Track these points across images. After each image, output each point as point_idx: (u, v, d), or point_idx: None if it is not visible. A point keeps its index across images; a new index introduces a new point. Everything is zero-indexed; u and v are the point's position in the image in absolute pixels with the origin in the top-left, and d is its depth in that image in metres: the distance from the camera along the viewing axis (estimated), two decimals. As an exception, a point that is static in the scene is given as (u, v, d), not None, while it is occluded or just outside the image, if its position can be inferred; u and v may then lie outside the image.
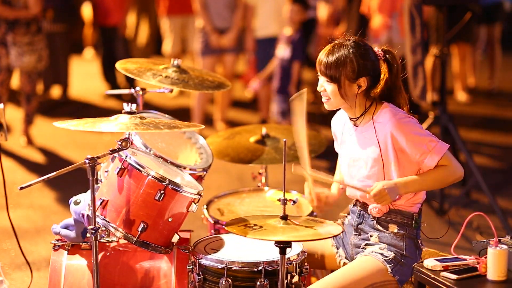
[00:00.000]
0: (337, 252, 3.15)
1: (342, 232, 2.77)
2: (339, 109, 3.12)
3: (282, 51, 6.95)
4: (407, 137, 2.87)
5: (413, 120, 2.93)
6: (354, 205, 3.11)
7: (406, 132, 2.87)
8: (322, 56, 2.93)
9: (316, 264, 3.20)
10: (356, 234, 3.07)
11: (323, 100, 2.98)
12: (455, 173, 2.92)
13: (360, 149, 2.98)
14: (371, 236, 3.02)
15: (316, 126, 6.81)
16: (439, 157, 2.88)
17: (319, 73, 2.96)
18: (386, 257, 2.94)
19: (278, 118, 7.10)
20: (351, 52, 2.88)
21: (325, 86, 2.94)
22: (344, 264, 3.07)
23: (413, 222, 2.98)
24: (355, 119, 2.99)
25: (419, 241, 3.02)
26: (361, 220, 3.06)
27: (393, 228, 2.98)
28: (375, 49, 2.98)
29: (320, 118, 8.13)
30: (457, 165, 2.92)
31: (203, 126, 3.06)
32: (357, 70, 2.88)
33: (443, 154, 2.88)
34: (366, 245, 3.03)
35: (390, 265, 2.92)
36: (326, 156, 4.61)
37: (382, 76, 2.95)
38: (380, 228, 3.00)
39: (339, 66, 2.87)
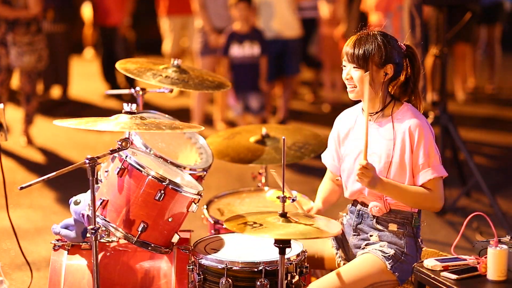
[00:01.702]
0: (336, 253, 3.14)
1: (341, 231, 2.76)
2: (343, 110, 3.13)
3: (248, 49, 6.99)
4: (419, 140, 2.88)
5: (432, 131, 2.94)
6: (353, 205, 3.11)
7: (420, 137, 2.88)
8: (350, 44, 2.93)
9: (316, 265, 3.19)
10: (355, 235, 3.07)
11: (349, 89, 2.96)
12: (435, 202, 2.91)
13: (375, 143, 2.96)
14: (371, 236, 3.01)
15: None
16: (433, 176, 2.87)
17: (345, 62, 2.95)
18: (386, 253, 2.94)
19: (253, 114, 7.14)
20: (379, 39, 2.90)
21: (351, 73, 2.93)
22: (344, 264, 3.07)
23: (413, 221, 2.97)
24: (374, 114, 2.99)
25: (419, 240, 3.02)
26: (360, 220, 3.05)
27: (393, 227, 2.98)
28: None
29: (320, 118, 8.14)
30: (441, 196, 2.91)
31: (203, 128, 3.07)
32: (385, 56, 2.89)
33: (438, 176, 2.88)
34: (366, 245, 3.02)
35: (389, 262, 2.92)
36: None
37: (404, 68, 2.98)
38: (380, 227, 3.00)
39: (368, 52, 2.88)
